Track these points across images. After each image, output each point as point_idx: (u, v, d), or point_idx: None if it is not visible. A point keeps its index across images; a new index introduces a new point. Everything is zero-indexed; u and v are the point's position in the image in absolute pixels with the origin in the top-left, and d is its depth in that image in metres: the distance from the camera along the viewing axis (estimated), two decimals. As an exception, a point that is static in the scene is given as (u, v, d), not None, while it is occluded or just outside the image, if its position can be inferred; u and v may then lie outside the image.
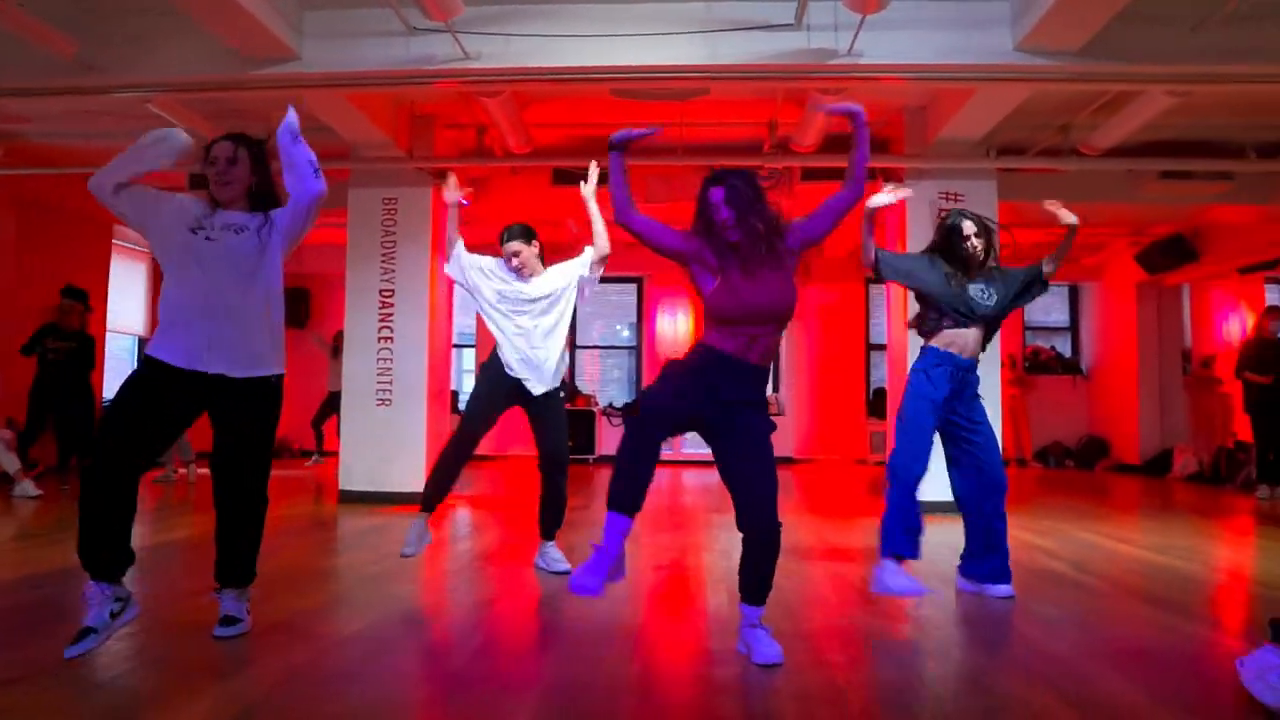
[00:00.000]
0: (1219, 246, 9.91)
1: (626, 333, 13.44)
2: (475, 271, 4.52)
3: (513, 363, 4.36)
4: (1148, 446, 11.32)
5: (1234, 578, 4.78)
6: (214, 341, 3.00)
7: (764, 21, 5.37)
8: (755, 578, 2.95)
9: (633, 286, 13.17)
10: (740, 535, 2.95)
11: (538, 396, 4.39)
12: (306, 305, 12.74)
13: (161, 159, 3.10)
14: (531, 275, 4.47)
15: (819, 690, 2.64)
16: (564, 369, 4.55)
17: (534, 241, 4.54)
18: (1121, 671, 2.85)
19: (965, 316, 3.94)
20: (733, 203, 2.88)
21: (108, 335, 10.27)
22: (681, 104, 6.91)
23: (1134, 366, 11.49)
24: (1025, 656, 3.09)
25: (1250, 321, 9.99)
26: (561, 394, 4.55)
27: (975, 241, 3.98)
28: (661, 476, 10.00)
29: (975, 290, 3.97)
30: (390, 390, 7.50)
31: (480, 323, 4.38)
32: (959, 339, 3.95)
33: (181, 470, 8.65)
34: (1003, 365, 12.31)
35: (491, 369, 4.44)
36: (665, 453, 3.17)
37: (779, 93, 6.57)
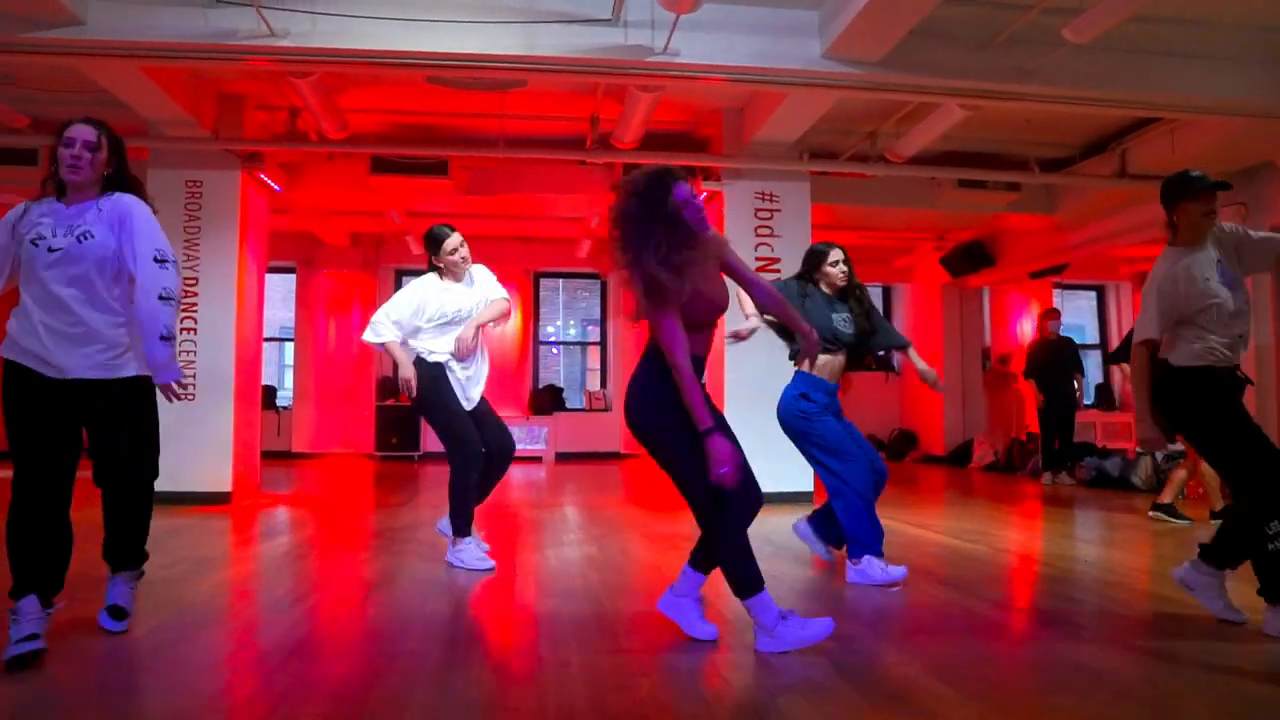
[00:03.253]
0: (1012, 252, 10.73)
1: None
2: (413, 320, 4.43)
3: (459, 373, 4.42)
4: (951, 438, 12.12)
5: (1019, 558, 5.16)
6: (68, 352, 2.92)
7: (582, 16, 5.38)
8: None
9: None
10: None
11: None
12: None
13: None
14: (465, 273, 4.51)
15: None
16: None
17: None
18: (899, 645, 3.02)
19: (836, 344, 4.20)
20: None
21: None
22: (503, 95, 6.83)
23: (940, 363, 12.26)
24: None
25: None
26: None
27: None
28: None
29: (840, 321, 4.22)
30: (194, 384, 7.06)
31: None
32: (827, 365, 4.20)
33: None
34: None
35: (444, 382, 4.39)
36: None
37: (599, 88, 6.60)
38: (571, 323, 14.60)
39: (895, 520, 6.21)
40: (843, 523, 4.11)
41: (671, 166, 2.98)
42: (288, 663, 2.80)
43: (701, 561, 3.12)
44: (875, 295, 14.12)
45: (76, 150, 2.94)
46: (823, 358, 4.12)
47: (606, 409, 12.90)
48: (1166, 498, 6.36)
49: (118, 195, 3.04)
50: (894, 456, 12.72)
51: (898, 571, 4.05)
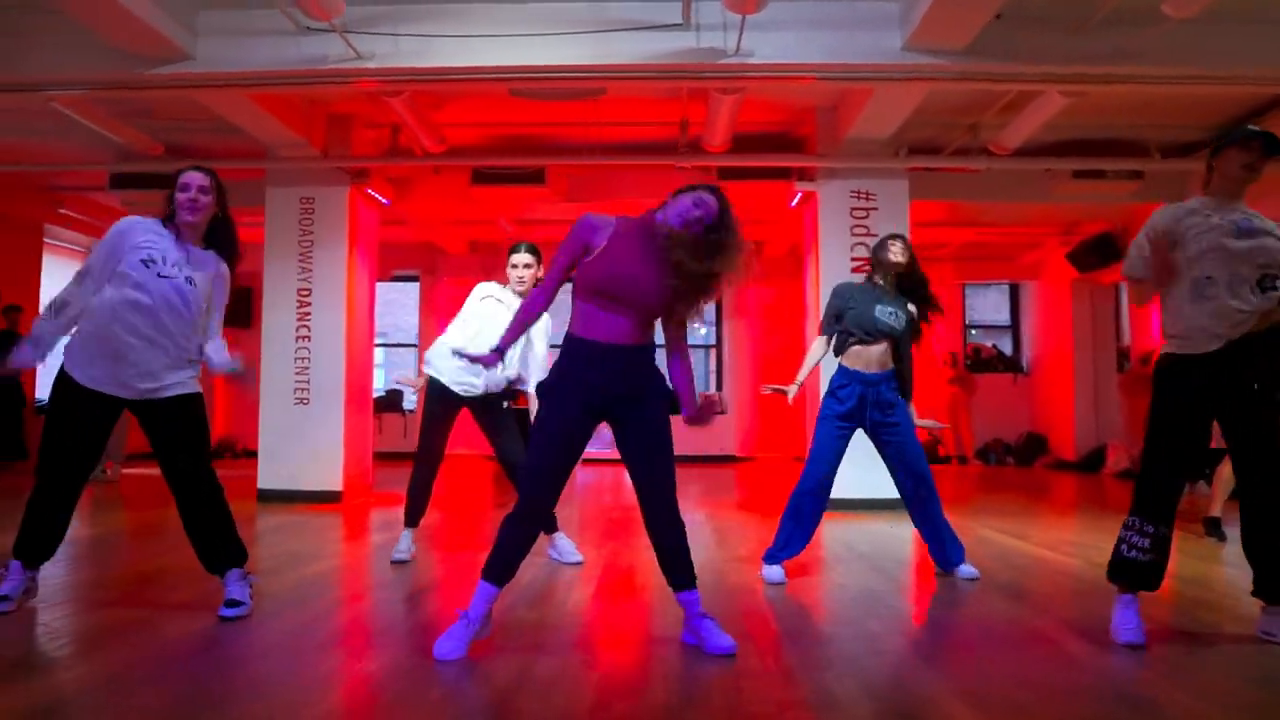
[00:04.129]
0: (1146, 245, 10.01)
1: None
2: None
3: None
4: (1083, 443, 11.44)
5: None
6: (137, 378, 3.27)
7: (654, 21, 5.40)
8: (676, 562, 3.04)
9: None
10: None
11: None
12: (249, 304, 12.68)
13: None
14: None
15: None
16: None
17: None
18: (937, 663, 2.90)
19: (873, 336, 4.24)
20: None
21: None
22: (594, 104, 6.93)
23: (1070, 364, 11.62)
24: (854, 650, 3.13)
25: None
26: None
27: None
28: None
29: (881, 310, 4.24)
30: (308, 389, 7.49)
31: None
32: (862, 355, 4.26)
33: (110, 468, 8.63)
34: (943, 363, 12.51)
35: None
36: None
37: (683, 92, 6.60)
38: (698, 326, 14.63)
39: (990, 529, 5.95)
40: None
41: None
42: (321, 653, 2.94)
43: (674, 581, 3.09)
44: (1002, 292, 13.54)
45: (193, 194, 3.32)
46: (857, 347, 4.24)
47: (723, 411, 12.80)
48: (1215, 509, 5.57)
49: (215, 255, 3.46)
50: (1021, 461, 12.14)
51: (774, 573, 4.14)
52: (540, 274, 4.57)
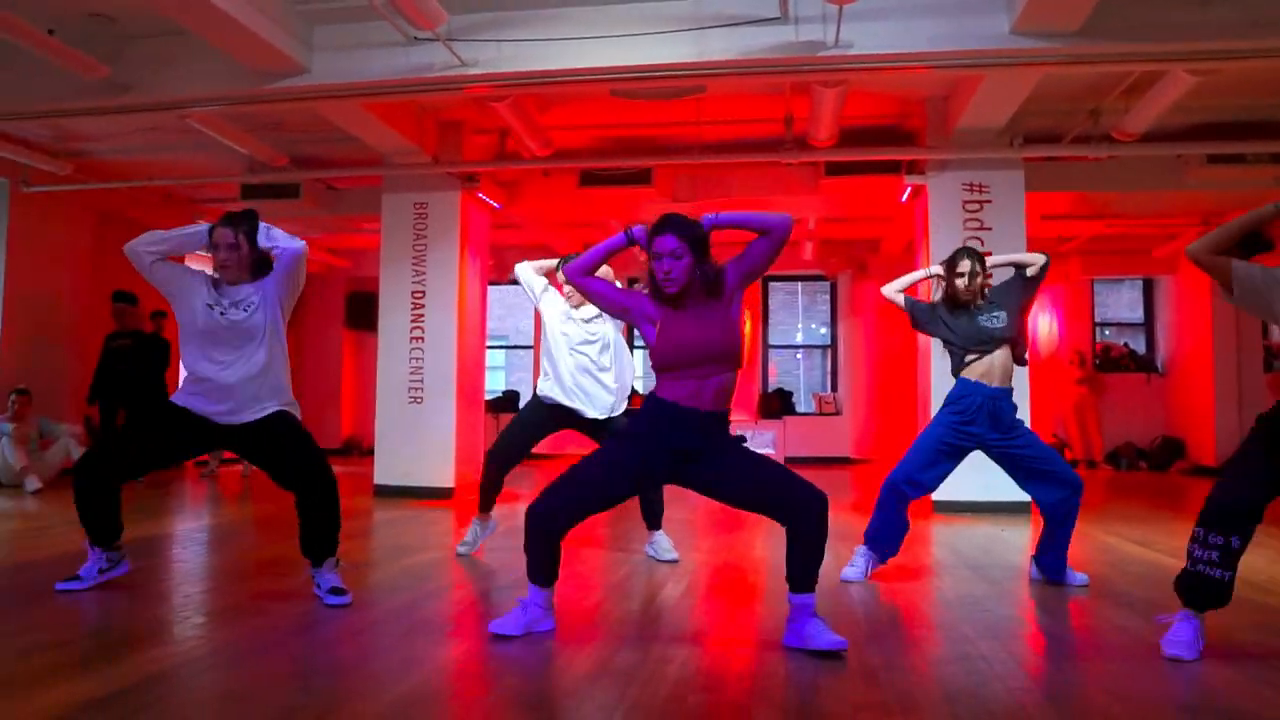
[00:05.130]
0: (1297, 234, 9.30)
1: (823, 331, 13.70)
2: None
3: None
4: (1224, 448, 10.68)
5: (1247, 584, 4.50)
6: (230, 410, 3.56)
7: (751, 16, 5.35)
8: (802, 564, 2.97)
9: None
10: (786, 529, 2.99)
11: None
12: (374, 309, 13.20)
13: (193, 248, 3.80)
14: (580, 304, 4.65)
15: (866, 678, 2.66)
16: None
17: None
18: (1033, 669, 2.78)
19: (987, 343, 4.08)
20: (678, 253, 2.93)
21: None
22: (696, 102, 6.93)
23: (1209, 363, 10.89)
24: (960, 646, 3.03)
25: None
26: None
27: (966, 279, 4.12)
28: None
29: (984, 319, 4.09)
30: (421, 388, 7.76)
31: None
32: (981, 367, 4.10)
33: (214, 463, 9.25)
34: (1070, 363, 11.93)
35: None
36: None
37: (786, 86, 6.51)
38: (812, 326, 14.45)
39: (1112, 534, 5.65)
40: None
41: (666, 216, 3.02)
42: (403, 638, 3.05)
43: (798, 583, 3.00)
44: (1135, 288, 12.83)
45: (223, 255, 3.58)
46: (974, 361, 4.09)
47: (837, 413, 12.62)
48: None
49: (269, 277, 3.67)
50: (1156, 467, 11.45)
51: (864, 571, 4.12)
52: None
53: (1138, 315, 12.89)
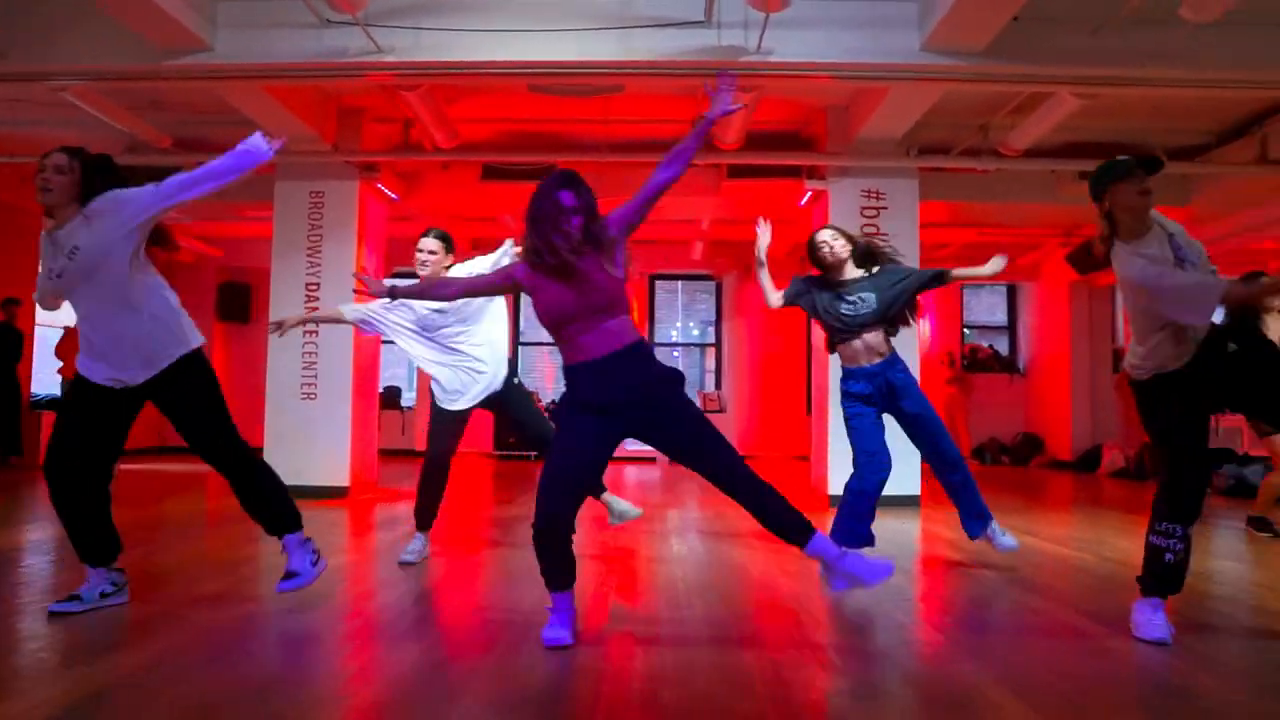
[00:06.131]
0: (1145, 248, 10.11)
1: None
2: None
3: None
4: (1079, 443, 11.55)
5: (1126, 569, 4.88)
6: (117, 364, 3.22)
7: (676, 18, 5.42)
8: (782, 520, 2.99)
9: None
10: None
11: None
12: (247, 300, 12.62)
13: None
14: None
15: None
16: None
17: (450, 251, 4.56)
18: (975, 653, 2.94)
19: (848, 329, 4.24)
20: (581, 210, 2.91)
21: (37, 328, 10.13)
22: (605, 101, 6.95)
23: (1067, 365, 11.72)
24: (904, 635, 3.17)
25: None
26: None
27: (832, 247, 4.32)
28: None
29: (845, 307, 4.26)
30: (315, 384, 7.47)
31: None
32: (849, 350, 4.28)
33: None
34: (941, 364, 12.58)
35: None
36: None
37: (699, 90, 6.61)
38: (690, 325, 14.67)
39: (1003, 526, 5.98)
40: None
41: (565, 171, 2.99)
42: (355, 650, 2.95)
43: (793, 538, 3.02)
44: (999, 293, 13.61)
45: (47, 175, 3.13)
46: (842, 345, 4.34)
47: (721, 410, 12.88)
48: (1259, 509, 5.76)
49: (100, 196, 3.18)
50: (1018, 461, 12.23)
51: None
52: (448, 263, 4.50)
53: (1000, 319, 13.72)
